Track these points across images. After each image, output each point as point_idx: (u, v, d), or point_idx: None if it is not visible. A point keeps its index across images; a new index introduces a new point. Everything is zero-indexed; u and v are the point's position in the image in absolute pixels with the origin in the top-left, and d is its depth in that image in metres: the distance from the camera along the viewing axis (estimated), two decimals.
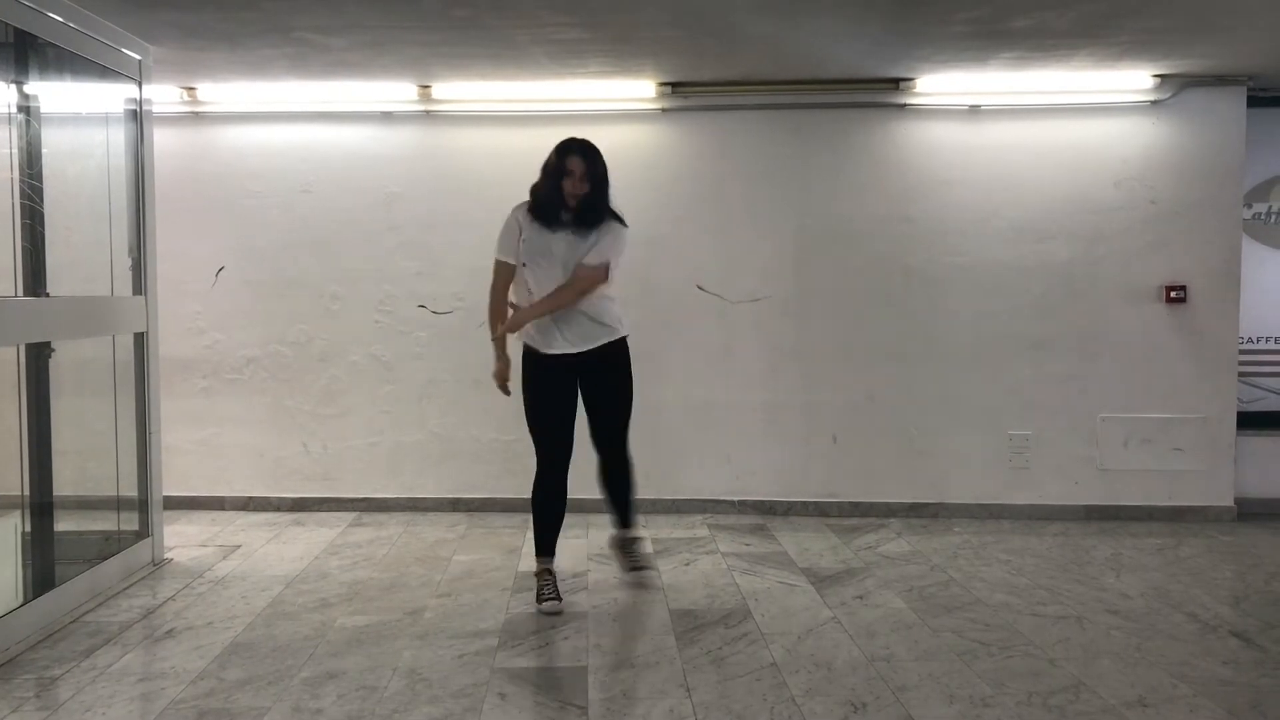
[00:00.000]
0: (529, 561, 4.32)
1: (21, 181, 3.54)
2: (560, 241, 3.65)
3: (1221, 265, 5.04)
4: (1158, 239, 5.05)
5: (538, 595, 3.72)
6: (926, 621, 3.58)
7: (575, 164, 3.60)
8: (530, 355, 3.74)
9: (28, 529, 3.66)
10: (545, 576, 3.77)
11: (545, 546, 3.81)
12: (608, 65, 4.59)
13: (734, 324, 5.13)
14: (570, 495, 5.16)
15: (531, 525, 3.85)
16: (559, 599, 3.69)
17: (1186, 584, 4.05)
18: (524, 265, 3.68)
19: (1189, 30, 4.10)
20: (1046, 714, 2.81)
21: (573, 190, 3.61)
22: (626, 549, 4.03)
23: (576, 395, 3.76)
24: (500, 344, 3.77)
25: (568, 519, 5.02)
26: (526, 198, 3.74)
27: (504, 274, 3.75)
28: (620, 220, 3.74)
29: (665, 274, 5.08)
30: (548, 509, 3.80)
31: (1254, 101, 5.03)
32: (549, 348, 3.68)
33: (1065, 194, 5.07)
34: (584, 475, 5.00)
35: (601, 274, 3.67)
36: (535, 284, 3.66)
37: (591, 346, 3.69)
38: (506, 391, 3.81)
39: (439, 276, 5.20)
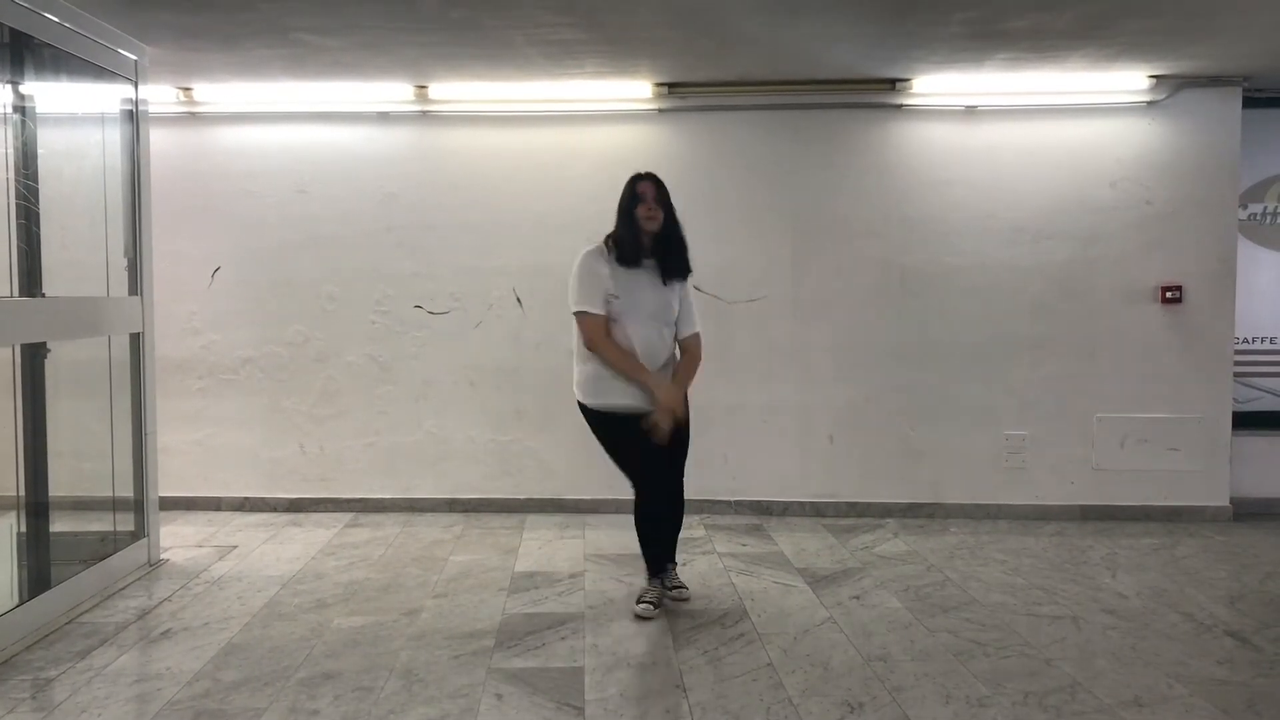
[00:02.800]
0: (525, 562, 4.34)
1: (17, 182, 3.54)
2: (645, 285, 3.60)
3: (1217, 265, 5.04)
4: (1153, 239, 5.06)
5: (642, 597, 3.69)
6: (923, 622, 3.58)
7: (646, 188, 3.59)
8: (603, 417, 3.62)
9: (23, 529, 3.65)
10: (656, 581, 3.76)
11: (660, 563, 3.78)
12: (604, 66, 4.59)
13: (731, 324, 5.13)
14: (567, 495, 5.22)
15: (645, 547, 3.73)
16: (655, 605, 3.66)
17: (1182, 584, 4.06)
18: (611, 319, 3.56)
19: (1184, 31, 4.11)
20: (1042, 714, 2.82)
21: (647, 216, 3.56)
22: (672, 579, 3.85)
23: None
24: (648, 376, 3.56)
25: (565, 520, 5.06)
26: (597, 243, 3.66)
27: (597, 324, 3.55)
28: (688, 267, 3.73)
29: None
30: (663, 526, 3.76)
31: (1249, 102, 5.04)
32: (630, 401, 3.56)
33: (1061, 194, 5.07)
34: (582, 475, 5.02)
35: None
36: (620, 330, 3.56)
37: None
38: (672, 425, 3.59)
39: (436, 277, 5.19)
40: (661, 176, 5.16)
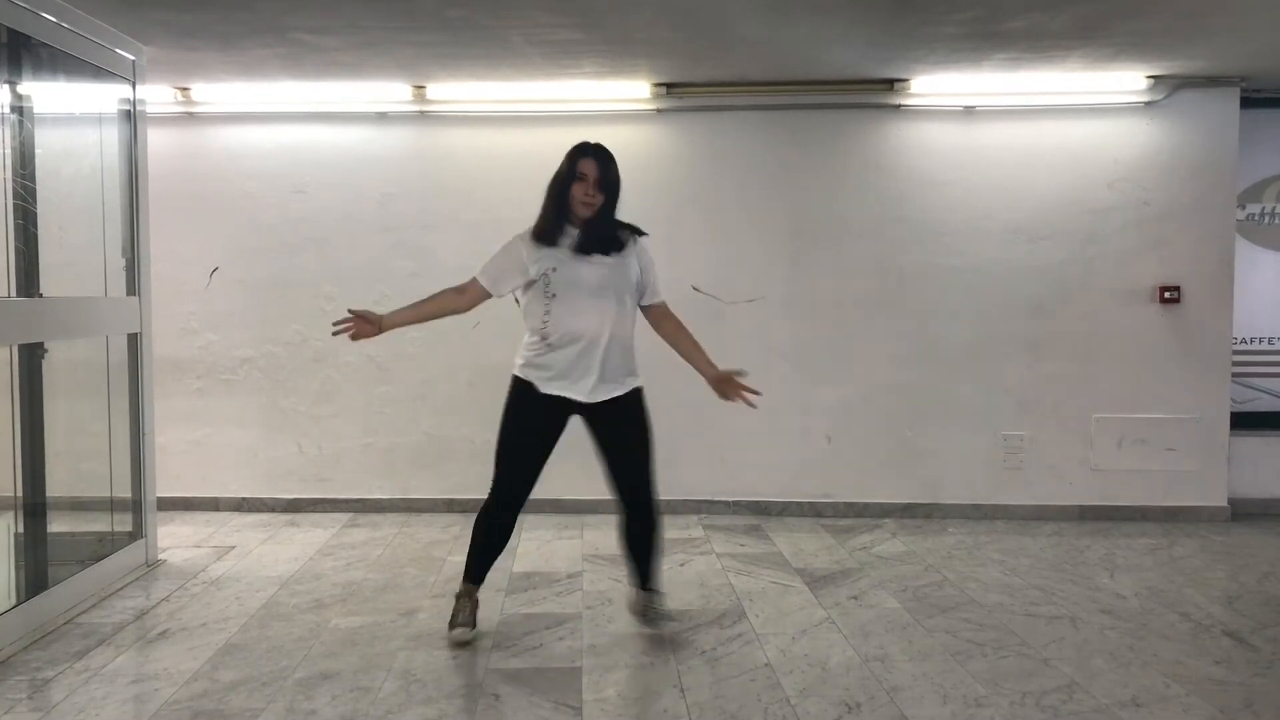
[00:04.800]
0: (523, 562, 4.33)
1: (15, 182, 3.53)
2: (590, 269, 3.22)
3: (1215, 266, 5.05)
4: (1151, 240, 5.06)
5: (452, 619, 3.39)
6: (921, 622, 3.58)
7: (589, 167, 3.22)
8: (528, 389, 3.28)
9: (21, 530, 3.65)
10: (464, 601, 3.41)
11: (477, 574, 3.43)
12: (602, 66, 4.59)
13: (729, 324, 5.13)
14: (565, 496, 5.21)
15: (470, 549, 3.45)
16: (472, 627, 3.36)
17: (1180, 584, 4.06)
18: (543, 288, 3.23)
19: (1182, 31, 4.11)
20: (1040, 714, 2.82)
21: (584, 198, 3.21)
22: (648, 613, 3.46)
23: (561, 434, 3.34)
24: (396, 315, 3.33)
25: (562, 520, 5.06)
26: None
27: (472, 293, 3.33)
28: (642, 233, 3.38)
29: (660, 274, 5.05)
30: (492, 544, 3.42)
31: (1247, 102, 5.04)
32: (564, 390, 3.24)
33: (1059, 195, 5.08)
34: (578, 474, 5.01)
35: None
36: (570, 316, 3.21)
37: (612, 395, 3.28)
38: (345, 328, 3.28)
39: (433, 277, 5.12)
40: (660, 176, 5.19)
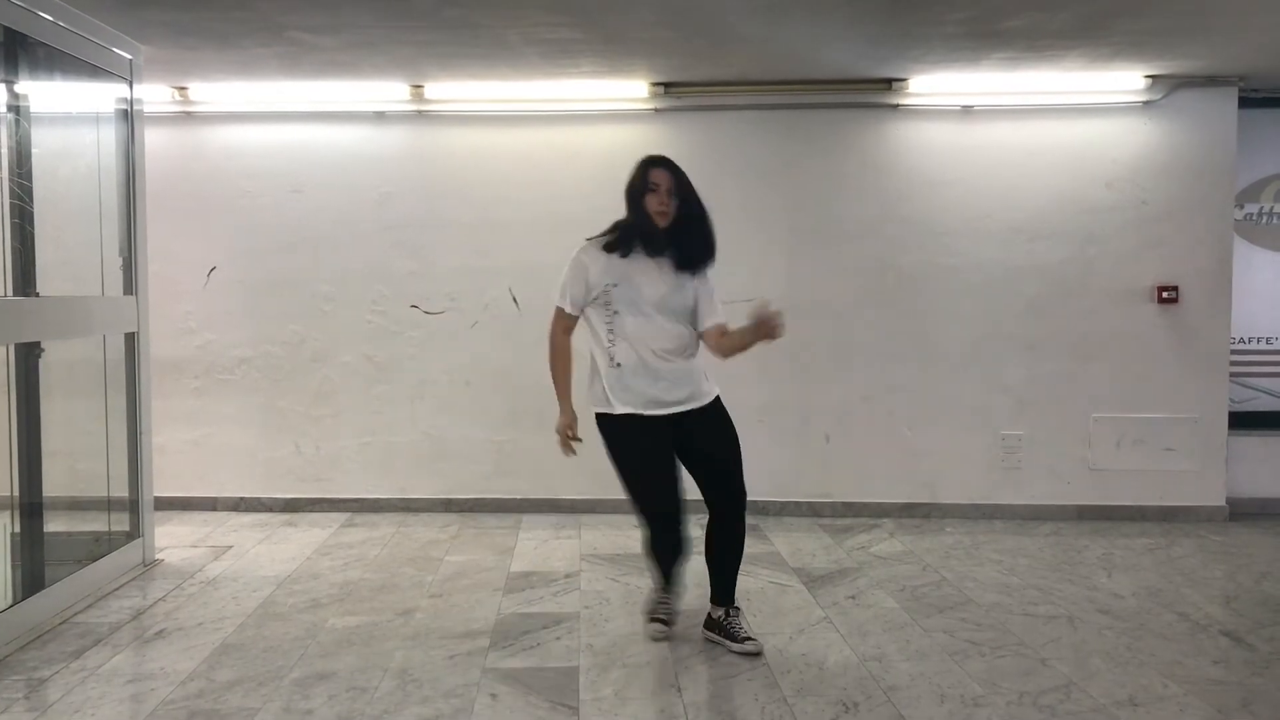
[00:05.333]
0: (521, 562, 4.33)
1: (11, 181, 3.53)
2: (650, 273, 3.24)
3: (1213, 265, 5.05)
4: (1150, 239, 5.06)
5: (651, 613, 3.44)
6: (918, 621, 3.58)
7: (660, 176, 3.24)
8: (620, 420, 3.25)
9: (17, 530, 3.65)
10: (663, 595, 3.43)
11: (668, 584, 3.44)
12: (600, 65, 4.58)
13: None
14: (563, 496, 5.21)
15: (654, 570, 3.46)
16: (666, 624, 3.37)
17: (1178, 584, 4.06)
18: (604, 304, 3.25)
19: (1180, 31, 4.11)
20: (1037, 713, 2.82)
21: (659, 208, 3.22)
22: (729, 628, 3.33)
23: (676, 451, 3.31)
24: (565, 398, 3.37)
25: (560, 520, 5.05)
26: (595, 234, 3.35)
27: (561, 320, 3.34)
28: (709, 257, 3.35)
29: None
30: (669, 561, 3.38)
31: (1245, 102, 5.04)
32: (650, 409, 3.23)
33: (1057, 194, 5.07)
34: (578, 475, 5.01)
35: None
36: (619, 322, 3.23)
37: (694, 406, 3.27)
38: (574, 447, 3.34)
39: (431, 276, 5.19)
40: None
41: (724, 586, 3.37)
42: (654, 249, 3.26)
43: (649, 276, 3.24)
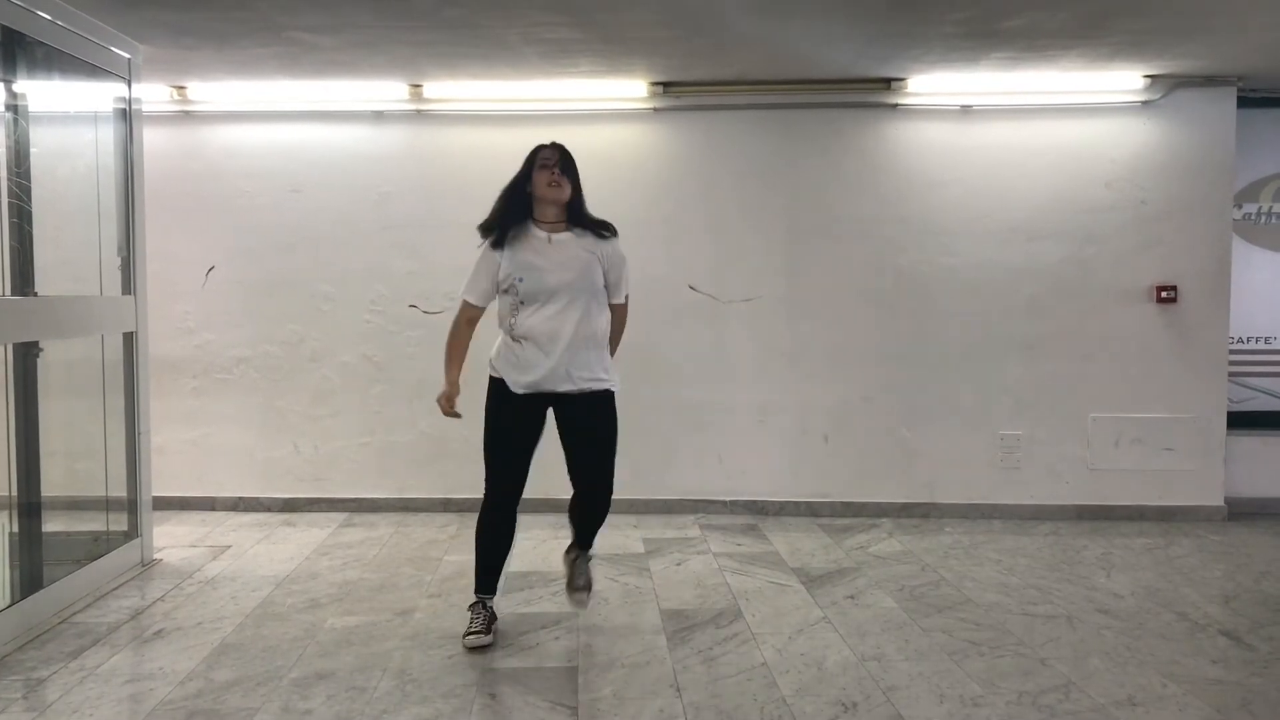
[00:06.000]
0: (519, 562, 4.33)
1: (10, 180, 3.53)
2: (553, 264, 3.27)
3: (1212, 265, 5.05)
4: (1148, 239, 5.06)
5: (467, 628, 3.38)
6: (917, 621, 3.58)
7: (548, 155, 3.31)
8: (502, 387, 3.38)
9: (15, 529, 3.64)
10: (479, 610, 3.41)
11: (487, 585, 3.43)
12: (599, 65, 4.58)
13: (726, 324, 5.13)
14: (559, 496, 5.17)
15: (476, 558, 3.45)
16: (485, 633, 3.34)
17: (1176, 583, 4.06)
18: (514, 294, 3.30)
19: (1179, 31, 4.11)
20: (1036, 713, 2.82)
21: (549, 182, 3.27)
22: (578, 566, 3.58)
23: (543, 428, 3.43)
24: (453, 370, 3.44)
25: (559, 520, 5.02)
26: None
27: (466, 311, 3.42)
28: (614, 232, 3.41)
29: (657, 274, 5.07)
30: (495, 546, 3.43)
31: (1244, 102, 5.04)
32: (532, 386, 3.32)
33: (1056, 194, 5.08)
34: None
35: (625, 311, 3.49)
36: (524, 311, 3.29)
37: (581, 389, 3.32)
38: (456, 414, 3.43)
39: (430, 276, 5.19)
40: (656, 175, 5.19)
41: (583, 537, 3.57)
42: (548, 228, 3.33)
43: (550, 266, 3.28)
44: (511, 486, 3.41)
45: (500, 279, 3.32)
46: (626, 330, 3.59)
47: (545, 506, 5.19)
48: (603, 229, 3.38)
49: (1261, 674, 3.11)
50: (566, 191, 3.31)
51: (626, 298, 3.50)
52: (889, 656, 3.24)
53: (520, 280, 3.27)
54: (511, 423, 3.38)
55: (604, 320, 3.39)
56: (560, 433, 3.42)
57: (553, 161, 3.30)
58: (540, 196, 3.32)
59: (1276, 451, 5.31)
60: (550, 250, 3.30)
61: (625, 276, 3.45)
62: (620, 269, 3.42)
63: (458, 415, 3.42)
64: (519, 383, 3.32)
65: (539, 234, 3.33)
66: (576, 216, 3.36)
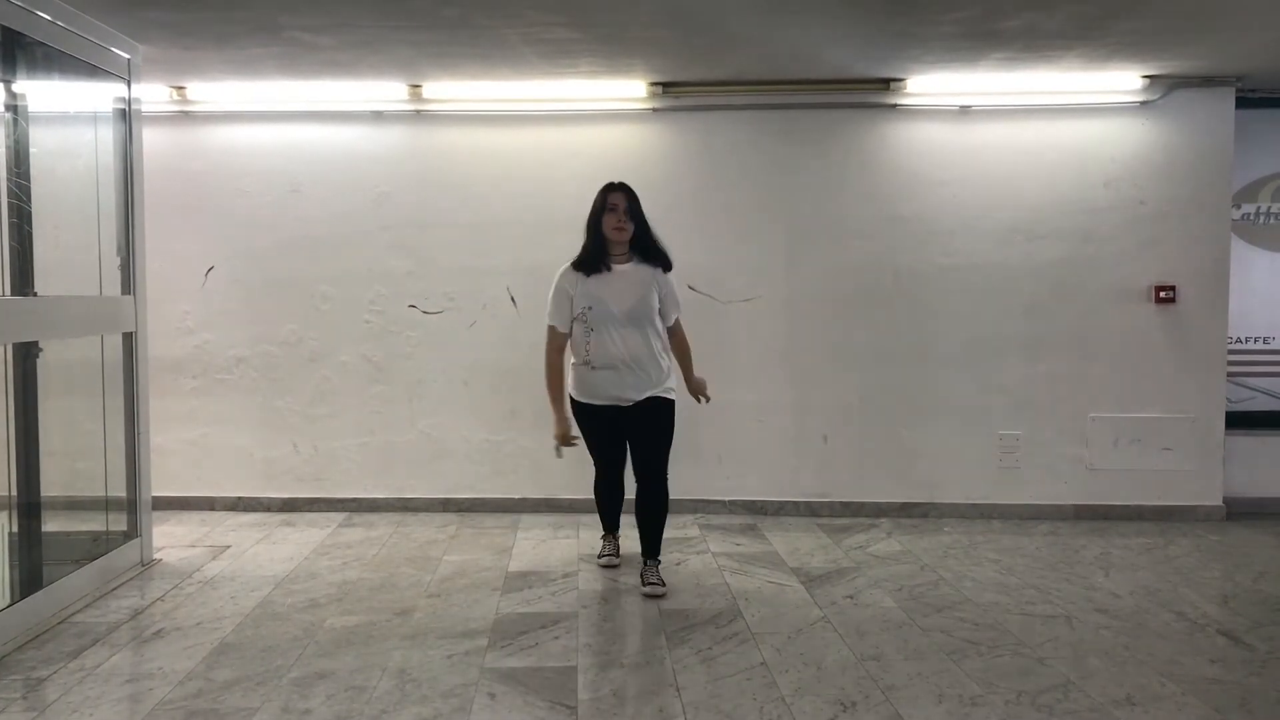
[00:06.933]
0: (519, 562, 4.34)
1: (9, 180, 3.53)
2: (617, 293, 3.84)
3: (1210, 265, 5.05)
4: (1147, 239, 5.07)
5: (600, 552, 4.30)
6: (916, 621, 3.58)
7: (617, 199, 3.84)
8: (584, 406, 3.96)
9: (15, 529, 3.64)
10: (609, 540, 4.29)
11: (611, 525, 4.29)
12: (598, 65, 4.58)
13: (725, 324, 5.13)
14: (559, 496, 5.21)
15: (598, 512, 4.29)
16: (615, 555, 4.24)
17: (1175, 583, 4.06)
18: (583, 320, 3.86)
19: (1178, 31, 4.12)
20: (1035, 713, 2.82)
21: (615, 226, 3.82)
22: (647, 573, 3.98)
23: (623, 422, 3.95)
24: (560, 407, 3.98)
25: (558, 520, 5.06)
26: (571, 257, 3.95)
27: (555, 339, 3.97)
28: (670, 267, 3.98)
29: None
30: (611, 501, 4.22)
31: (1243, 102, 5.05)
32: (609, 399, 3.89)
33: (1055, 194, 5.08)
34: (576, 475, 5.01)
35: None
36: (595, 337, 3.84)
37: (646, 397, 3.87)
38: (571, 443, 4.01)
39: (429, 276, 5.19)
40: (655, 176, 5.20)
41: (649, 543, 4.00)
42: (614, 264, 3.87)
43: (615, 296, 3.84)
44: (611, 465, 4.12)
45: (575, 311, 3.89)
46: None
47: (545, 507, 5.23)
48: (662, 262, 3.94)
49: (1259, 673, 3.12)
50: (629, 233, 3.86)
51: (677, 319, 4.06)
52: (888, 656, 3.24)
53: (590, 309, 3.84)
54: (598, 427, 4.00)
55: (662, 339, 3.95)
56: (627, 434, 3.98)
57: (620, 207, 3.84)
58: (608, 237, 3.86)
59: (1275, 451, 5.32)
60: (613, 279, 3.86)
61: (676, 299, 4.02)
62: (673, 294, 4.00)
63: (573, 443, 4.02)
64: (596, 398, 3.91)
65: (606, 266, 3.87)
66: (642, 248, 3.92)
